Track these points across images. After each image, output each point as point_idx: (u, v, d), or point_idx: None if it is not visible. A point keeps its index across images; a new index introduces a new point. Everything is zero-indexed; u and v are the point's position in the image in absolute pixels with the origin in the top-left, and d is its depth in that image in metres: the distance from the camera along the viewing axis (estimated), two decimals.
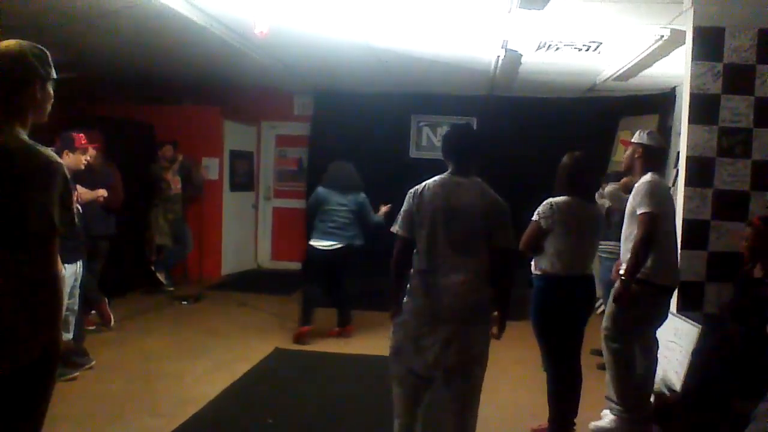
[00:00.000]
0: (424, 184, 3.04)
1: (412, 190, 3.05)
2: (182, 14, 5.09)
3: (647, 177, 3.89)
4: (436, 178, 3.06)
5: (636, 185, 3.91)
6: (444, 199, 2.96)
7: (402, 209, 3.05)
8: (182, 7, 5.03)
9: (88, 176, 5.20)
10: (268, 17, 5.04)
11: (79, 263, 4.82)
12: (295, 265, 8.50)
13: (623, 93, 7.94)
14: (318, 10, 5.13)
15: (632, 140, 4.04)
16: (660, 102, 7.74)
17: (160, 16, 5.18)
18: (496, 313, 3.06)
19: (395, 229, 3.05)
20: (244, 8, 5.03)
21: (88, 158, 4.96)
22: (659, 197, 3.77)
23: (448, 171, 3.07)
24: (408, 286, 3.02)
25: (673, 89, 7.47)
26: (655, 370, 4.07)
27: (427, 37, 5.84)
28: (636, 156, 3.99)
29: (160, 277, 7.78)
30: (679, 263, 4.36)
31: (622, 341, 3.89)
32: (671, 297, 4.08)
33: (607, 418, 4.01)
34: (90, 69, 7.51)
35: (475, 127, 8.98)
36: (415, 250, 3.01)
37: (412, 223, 2.99)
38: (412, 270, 3.02)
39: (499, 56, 6.19)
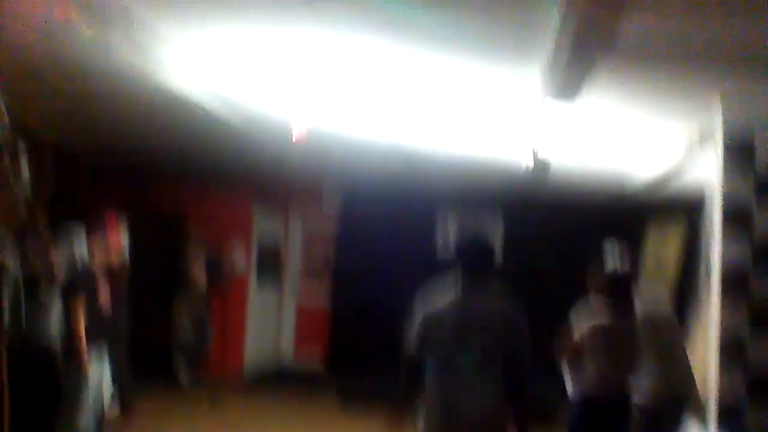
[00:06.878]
0: (436, 302, 2.89)
1: (421, 309, 2.90)
2: (219, 115, 5.22)
3: None
4: (449, 291, 2.89)
5: None
6: (460, 319, 2.80)
7: (412, 328, 2.90)
8: (219, 108, 5.14)
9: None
10: (305, 121, 5.14)
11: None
12: (318, 366, 8.34)
13: (651, 198, 7.89)
14: (349, 112, 5.25)
15: None
16: (688, 206, 7.64)
17: (198, 115, 5.32)
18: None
19: (406, 349, 2.91)
20: (279, 110, 5.15)
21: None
22: None
23: (461, 281, 2.88)
24: (423, 407, 2.83)
25: (702, 193, 7.40)
26: None
27: (456, 142, 5.92)
28: None
29: (181, 376, 7.68)
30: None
31: None
32: None
33: None
34: (120, 156, 7.59)
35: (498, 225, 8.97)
36: (428, 371, 2.84)
37: (422, 343, 2.85)
38: (426, 390, 2.84)
39: (527, 165, 6.22)
